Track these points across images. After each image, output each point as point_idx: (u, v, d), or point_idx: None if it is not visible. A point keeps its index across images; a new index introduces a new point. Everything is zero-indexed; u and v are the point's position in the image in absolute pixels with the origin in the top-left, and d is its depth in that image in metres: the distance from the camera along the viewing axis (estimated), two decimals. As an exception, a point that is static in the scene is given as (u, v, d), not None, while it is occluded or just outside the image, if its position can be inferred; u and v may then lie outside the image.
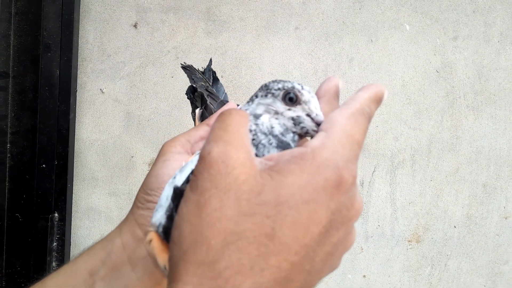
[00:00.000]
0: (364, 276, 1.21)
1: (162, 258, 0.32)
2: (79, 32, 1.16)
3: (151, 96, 1.17)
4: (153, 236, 0.33)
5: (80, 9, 1.16)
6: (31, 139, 1.08)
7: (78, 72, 1.16)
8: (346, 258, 1.20)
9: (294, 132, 0.36)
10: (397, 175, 1.19)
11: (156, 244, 0.32)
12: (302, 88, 0.36)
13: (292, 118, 0.36)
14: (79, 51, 1.16)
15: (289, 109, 0.36)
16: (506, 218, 1.22)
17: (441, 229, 1.21)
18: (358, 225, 1.17)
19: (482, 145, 1.21)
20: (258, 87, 0.41)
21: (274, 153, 0.33)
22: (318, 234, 0.27)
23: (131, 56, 1.17)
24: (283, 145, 0.35)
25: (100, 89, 1.17)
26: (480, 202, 1.21)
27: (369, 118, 0.32)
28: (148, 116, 1.17)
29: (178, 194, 0.32)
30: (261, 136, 0.35)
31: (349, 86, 1.18)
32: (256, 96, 0.38)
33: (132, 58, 1.17)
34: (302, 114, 0.36)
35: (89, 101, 1.16)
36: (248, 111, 0.37)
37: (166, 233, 0.32)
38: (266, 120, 0.36)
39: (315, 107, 0.35)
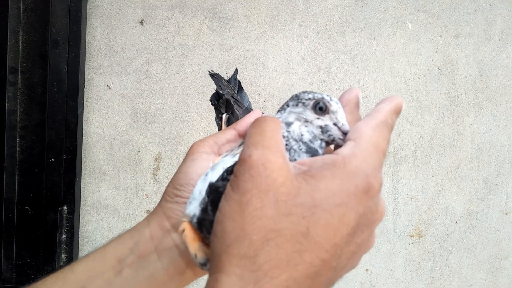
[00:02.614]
0: (366, 270, 1.23)
1: (193, 246, 0.36)
2: (87, 29, 1.18)
3: (157, 92, 1.19)
4: (186, 226, 0.36)
5: (88, 6, 1.18)
6: (40, 134, 1.10)
7: (85, 68, 1.17)
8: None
9: (321, 139, 0.39)
10: (399, 170, 1.21)
11: (189, 233, 0.36)
12: (331, 99, 0.39)
13: (320, 127, 0.39)
14: (86, 47, 1.18)
15: (318, 118, 0.39)
16: (507, 214, 1.24)
17: (443, 224, 1.23)
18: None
19: (483, 141, 1.22)
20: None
21: (305, 158, 0.37)
22: (347, 235, 0.31)
23: (138, 52, 1.19)
24: (311, 151, 0.38)
25: (107, 84, 1.19)
26: (481, 198, 1.23)
27: (391, 128, 0.35)
28: (154, 111, 1.19)
29: (213, 190, 0.36)
30: (293, 142, 0.38)
31: (352, 83, 1.20)
32: (288, 105, 0.41)
33: (138, 55, 1.19)
34: (330, 123, 0.39)
35: (97, 96, 1.18)
36: (280, 119, 0.40)
37: (200, 223, 0.36)
38: (296, 128, 0.39)
39: (342, 117, 0.38)
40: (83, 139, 1.16)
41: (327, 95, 0.40)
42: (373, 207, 0.32)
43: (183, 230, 0.36)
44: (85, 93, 1.17)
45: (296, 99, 0.41)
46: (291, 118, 0.41)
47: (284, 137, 0.39)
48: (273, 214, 0.30)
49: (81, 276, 0.40)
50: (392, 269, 1.24)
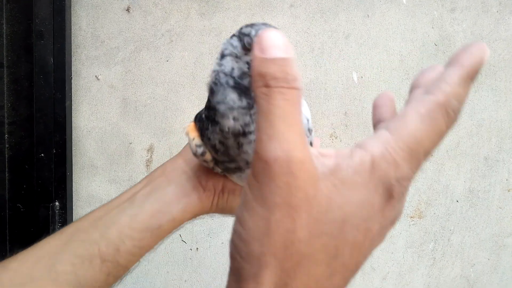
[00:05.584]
0: (366, 253, 1.22)
1: (192, 134, 0.44)
2: (72, 19, 1.14)
3: (147, 81, 1.16)
4: (190, 124, 0.45)
5: (71, -5, 1.14)
6: (28, 129, 1.08)
7: (72, 59, 1.14)
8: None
9: (250, 76, 0.37)
10: (397, 151, 1.19)
11: (191, 126, 0.45)
12: (255, 35, 0.36)
13: (247, 62, 0.38)
14: (72, 38, 1.15)
15: (245, 54, 0.38)
16: (509, 191, 1.21)
17: (443, 204, 1.21)
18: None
19: (482, 117, 1.19)
20: None
21: (230, 94, 0.38)
22: (368, 246, 0.28)
23: (125, 41, 1.16)
24: (239, 87, 0.38)
25: (95, 75, 1.16)
26: (482, 176, 1.20)
27: (454, 115, 0.27)
28: (144, 101, 1.16)
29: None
30: (221, 75, 0.39)
31: (346, 63, 1.17)
32: (234, 35, 0.40)
33: (126, 43, 1.16)
34: None
35: (85, 88, 1.16)
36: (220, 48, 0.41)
37: (196, 118, 0.45)
38: (229, 62, 0.39)
39: None
40: (72, 133, 1.14)
41: (257, 29, 0.37)
42: (394, 217, 0.29)
43: (188, 126, 0.45)
44: (72, 85, 1.14)
45: (238, 32, 0.39)
46: (225, 50, 0.39)
47: (214, 71, 0.39)
48: (305, 236, 0.26)
49: (101, 210, 0.48)
50: (393, 252, 1.22)
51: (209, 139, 0.42)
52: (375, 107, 0.35)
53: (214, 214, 0.52)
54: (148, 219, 0.45)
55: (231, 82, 0.38)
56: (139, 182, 0.50)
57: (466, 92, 0.28)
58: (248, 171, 0.37)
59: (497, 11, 1.18)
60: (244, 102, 0.38)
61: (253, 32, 0.37)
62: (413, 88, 0.31)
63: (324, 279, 0.26)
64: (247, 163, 0.41)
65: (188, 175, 0.48)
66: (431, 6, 1.17)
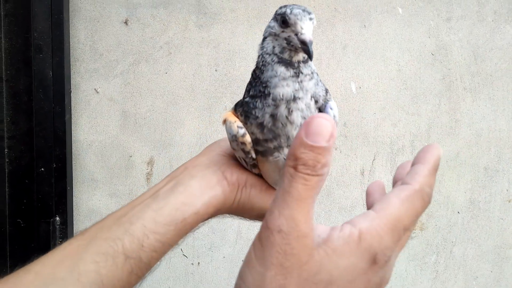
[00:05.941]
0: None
1: (232, 118, 0.48)
2: (70, 32, 1.15)
3: (146, 94, 1.16)
4: (229, 112, 0.49)
5: (70, 8, 1.14)
6: (28, 143, 1.08)
7: (71, 73, 1.15)
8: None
9: (289, 50, 0.45)
10: (397, 162, 1.19)
11: (230, 113, 0.48)
12: (291, 13, 0.43)
13: (285, 38, 0.45)
14: (70, 51, 1.15)
15: (283, 31, 0.45)
16: (509, 201, 1.22)
17: (445, 216, 1.21)
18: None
19: (481, 127, 1.20)
20: None
21: (278, 68, 0.44)
22: None
23: (124, 53, 1.16)
24: (283, 61, 0.45)
25: (95, 88, 1.16)
26: (482, 186, 1.21)
27: (428, 198, 0.34)
28: (144, 114, 1.16)
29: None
30: (266, 56, 0.46)
31: (344, 74, 1.17)
32: (271, 20, 0.47)
33: (124, 56, 1.16)
34: (292, 34, 0.44)
35: (84, 101, 1.16)
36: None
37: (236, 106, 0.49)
38: (269, 42, 0.46)
39: (301, 27, 0.43)
40: (72, 147, 1.14)
41: (291, 8, 0.44)
42: (379, 279, 0.33)
43: (225, 114, 0.48)
44: (72, 99, 1.14)
45: (274, 14, 0.46)
46: (265, 33, 0.47)
47: (258, 56, 0.47)
48: None
49: (124, 208, 0.48)
50: (395, 265, 1.21)
51: (256, 117, 0.46)
52: (368, 194, 0.41)
53: (233, 214, 0.53)
54: (173, 212, 0.46)
55: (275, 58, 0.45)
56: (161, 181, 0.51)
57: (434, 181, 0.35)
58: (286, 150, 0.45)
59: (493, 20, 1.19)
60: (291, 72, 0.45)
61: (288, 11, 0.44)
62: (394, 182, 0.39)
63: None
64: (288, 138, 0.46)
65: (213, 169, 0.49)
66: (427, 16, 1.18)
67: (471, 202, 1.21)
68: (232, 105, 0.50)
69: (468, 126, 1.20)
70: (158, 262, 0.47)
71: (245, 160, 0.49)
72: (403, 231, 0.33)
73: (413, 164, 0.37)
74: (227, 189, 0.49)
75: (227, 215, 0.53)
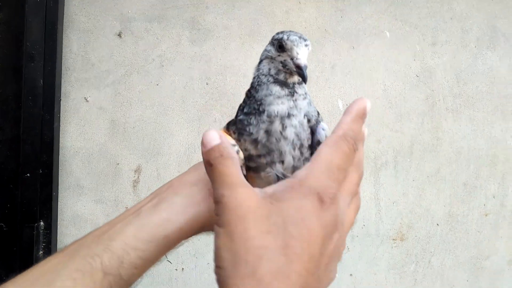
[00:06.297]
0: (350, 274, 1.22)
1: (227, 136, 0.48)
2: (63, 42, 1.16)
3: (136, 104, 1.17)
4: (222, 130, 0.50)
5: (64, 19, 1.16)
6: (14, 148, 1.07)
7: (62, 81, 1.15)
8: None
9: (285, 72, 0.47)
10: (380, 176, 1.21)
11: (223, 131, 0.49)
12: (288, 39, 0.46)
13: (281, 62, 0.47)
14: (63, 60, 1.16)
15: (279, 55, 0.47)
16: (486, 215, 1.24)
17: (424, 227, 1.23)
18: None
19: (461, 145, 1.23)
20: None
21: (273, 88, 0.47)
22: (318, 245, 0.35)
23: (116, 64, 1.18)
24: (278, 81, 0.47)
25: (85, 97, 1.17)
26: (461, 201, 1.24)
27: (353, 140, 0.39)
28: (133, 123, 1.17)
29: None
30: (262, 77, 0.48)
31: (332, 91, 1.20)
32: (268, 44, 0.50)
33: (116, 67, 1.18)
34: (288, 58, 0.47)
35: (74, 109, 1.16)
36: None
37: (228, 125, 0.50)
38: (265, 64, 0.48)
39: (297, 53, 0.46)
40: (60, 153, 1.13)
41: (288, 34, 0.47)
42: (331, 218, 0.36)
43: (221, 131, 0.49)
44: (61, 107, 1.15)
45: (271, 39, 0.49)
46: (262, 56, 0.50)
47: (254, 77, 0.49)
48: (256, 233, 0.34)
49: (105, 226, 0.48)
50: (376, 273, 1.23)
51: (250, 134, 0.48)
52: None
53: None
54: (154, 228, 0.46)
55: (270, 79, 0.48)
56: (145, 198, 0.50)
57: (359, 126, 0.41)
58: (278, 166, 0.48)
59: (475, 46, 1.24)
60: (286, 91, 0.47)
61: (285, 37, 0.47)
62: (347, 113, 0.43)
63: (284, 265, 0.33)
64: (281, 154, 0.48)
65: (199, 186, 0.49)
66: (413, 40, 1.23)
67: (450, 215, 1.24)
68: (224, 123, 0.51)
69: (449, 144, 1.23)
70: (139, 279, 0.46)
71: None
72: (337, 170, 0.38)
73: None
74: (212, 206, 0.48)
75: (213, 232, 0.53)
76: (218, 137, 0.39)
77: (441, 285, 1.24)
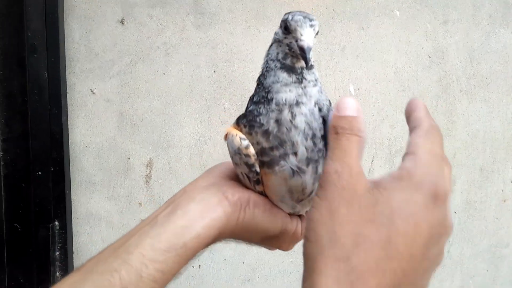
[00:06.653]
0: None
1: (234, 131, 0.47)
2: (65, 31, 1.12)
3: (144, 95, 1.15)
4: (232, 127, 0.49)
5: (64, 7, 1.12)
6: (23, 146, 1.06)
7: (66, 73, 1.12)
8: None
9: (291, 56, 0.45)
10: (395, 163, 1.20)
11: (233, 127, 0.48)
12: (292, 19, 0.44)
13: (287, 44, 0.45)
14: (66, 50, 1.13)
15: (285, 37, 0.45)
16: (504, 201, 1.24)
17: (442, 216, 1.23)
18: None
19: (477, 128, 1.22)
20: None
21: (280, 74, 0.45)
22: (422, 246, 0.33)
23: (120, 53, 1.15)
24: (285, 67, 0.45)
25: (91, 89, 1.14)
26: (478, 187, 1.23)
27: (438, 129, 0.38)
28: (141, 115, 1.15)
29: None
30: (270, 62, 0.46)
31: (342, 75, 1.18)
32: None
33: (121, 56, 1.15)
34: (293, 40, 0.44)
35: (80, 102, 1.14)
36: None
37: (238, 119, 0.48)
38: (274, 49, 0.47)
39: (301, 34, 0.44)
40: (69, 149, 1.12)
41: (293, 15, 0.44)
42: (441, 218, 0.34)
43: (227, 129, 0.49)
44: (68, 100, 1.12)
45: (280, 21, 0.46)
46: (272, 40, 0.48)
47: (264, 62, 0.47)
48: (359, 220, 0.33)
49: (121, 238, 0.46)
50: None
51: (261, 125, 0.46)
52: (407, 114, 0.43)
53: (237, 238, 0.50)
54: (171, 237, 0.44)
55: (278, 64, 0.46)
56: (160, 207, 0.49)
57: (432, 118, 0.39)
58: (292, 158, 0.45)
59: (488, 24, 1.21)
60: (294, 78, 0.45)
61: (289, 17, 0.44)
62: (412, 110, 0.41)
63: (381, 259, 0.31)
64: (293, 145, 0.45)
65: (213, 190, 0.48)
66: (424, 19, 1.19)
67: (467, 202, 1.23)
68: (234, 113, 0.50)
69: (464, 127, 1.22)
70: None
71: (248, 177, 0.48)
72: (441, 159, 0.35)
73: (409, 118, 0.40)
74: (228, 209, 0.47)
75: (231, 239, 0.51)
76: (356, 109, 0.37)
77: (461, 276, 1.25)
